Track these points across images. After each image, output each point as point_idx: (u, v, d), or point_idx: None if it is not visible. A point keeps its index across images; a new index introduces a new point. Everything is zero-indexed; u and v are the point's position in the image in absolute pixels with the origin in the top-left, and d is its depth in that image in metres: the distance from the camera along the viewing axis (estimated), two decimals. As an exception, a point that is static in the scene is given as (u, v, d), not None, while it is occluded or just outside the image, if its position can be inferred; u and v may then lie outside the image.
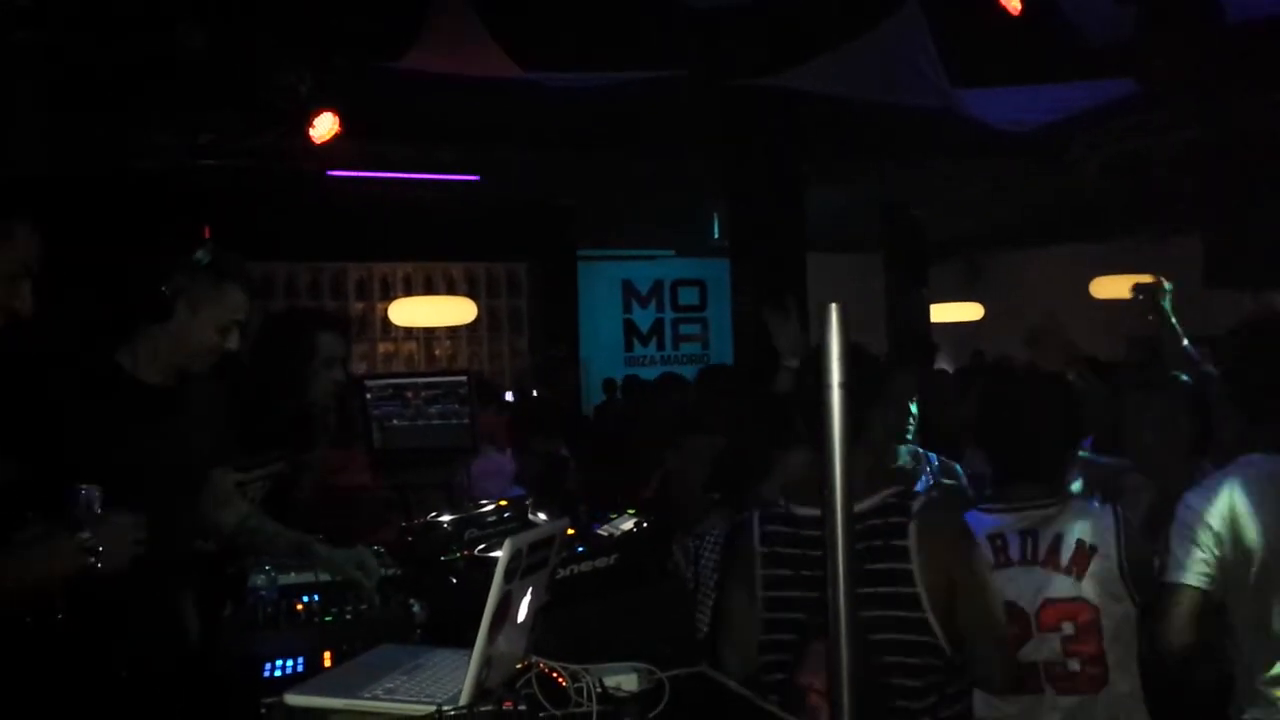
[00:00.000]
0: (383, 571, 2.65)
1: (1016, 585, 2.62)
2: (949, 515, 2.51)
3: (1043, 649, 2.60)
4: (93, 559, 2.12)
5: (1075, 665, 2.59)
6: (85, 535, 2.12)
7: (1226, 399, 2.85)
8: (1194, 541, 2.56)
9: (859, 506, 2.18)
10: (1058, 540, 2.63)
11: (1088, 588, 2.59)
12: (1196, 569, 2.55)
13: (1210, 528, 2.56)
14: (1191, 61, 5.09)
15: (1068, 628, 2.60)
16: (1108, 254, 11.58)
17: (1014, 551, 2.66)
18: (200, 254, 2.60)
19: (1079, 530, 2.63)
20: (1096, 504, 2.76)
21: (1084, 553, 2.62)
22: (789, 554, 2.41)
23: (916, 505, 2.37)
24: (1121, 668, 2.59)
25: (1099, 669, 2.59)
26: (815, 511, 2.29)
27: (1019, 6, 4.38)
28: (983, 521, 2.70)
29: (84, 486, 2.16)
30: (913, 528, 2.32)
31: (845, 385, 1.55)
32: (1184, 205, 8.95)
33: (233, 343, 2.64)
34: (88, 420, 2.40)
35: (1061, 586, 2.60)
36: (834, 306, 1.54)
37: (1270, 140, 7.13)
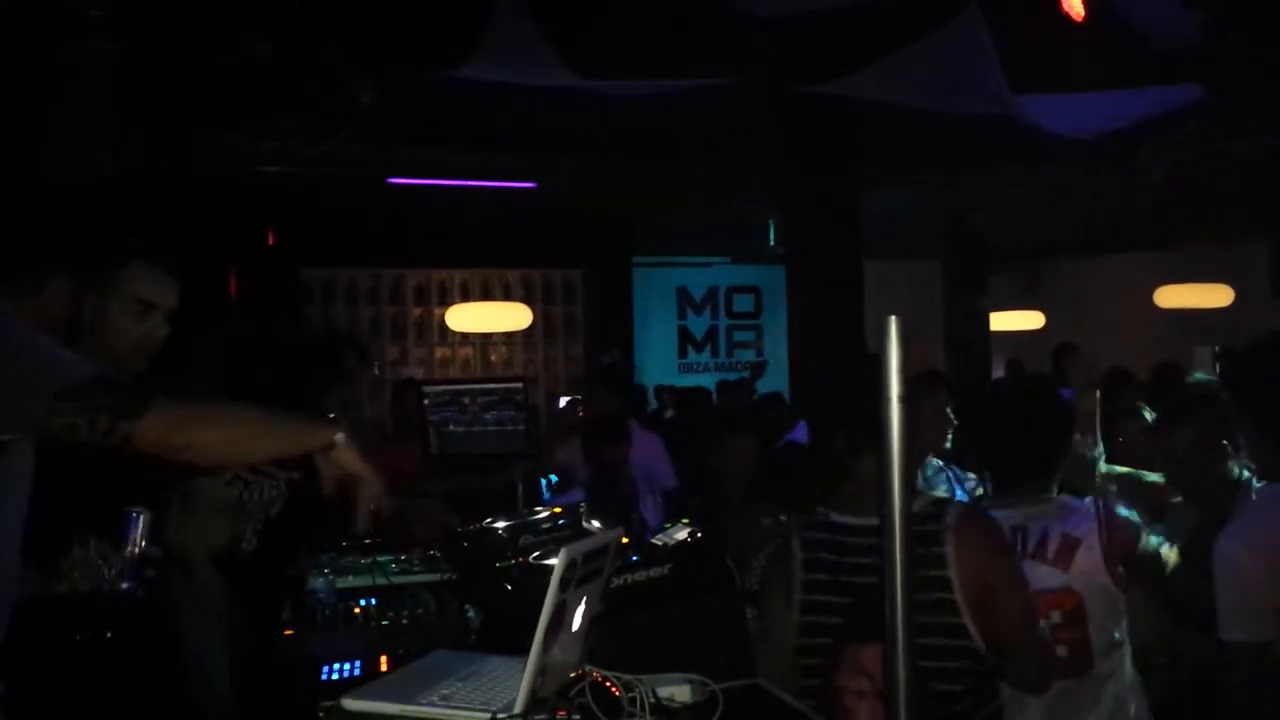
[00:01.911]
0: (439, 576, 2.67)
1: None
2: (985, 521, 2.58)
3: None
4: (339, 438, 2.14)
5: (1063, 651, 2.73)
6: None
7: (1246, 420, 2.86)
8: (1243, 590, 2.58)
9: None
10: (1045, 535, 2.81)
11: (1073, 578, 2.77)
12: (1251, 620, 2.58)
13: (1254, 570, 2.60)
14: (1259, 65, 4.97)
15: (1056, 616, 2.76)
16: (1172, 262, 11.36)
17: None
18: (80, 237, 2.41)
19: (1063, 525, 2.82)
20: (1081, 501, 2.91)
21: (1068, 545, 2.81)
22: (827, 560, 2.47)
23: (952, 514, 2.44)
24: (1105, 652, 2.76)
25: (1084, 653, 2.76)
26: (853, 519, 2.44)
27: (1082, 11, 4.31)
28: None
29: (135, 510, 2.15)
30: (950, 535, 2.39)
31: (904, 398, 1.54)
32: (1251, 212, 8.75)
33: (156, 329, 2.45)
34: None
35: (1049, 578, 2.77)
36: (893, 319, 1.53)
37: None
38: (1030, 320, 12.88)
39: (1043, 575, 2.76)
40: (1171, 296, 11.11)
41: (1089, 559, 2.80)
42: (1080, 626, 2.77)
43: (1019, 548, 2.79)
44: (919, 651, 2.16)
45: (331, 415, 3.22)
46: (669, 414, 8.83)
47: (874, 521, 2.35)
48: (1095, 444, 3.16)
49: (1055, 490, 2.90)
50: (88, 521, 2.12)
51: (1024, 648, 2.45)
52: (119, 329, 2.38)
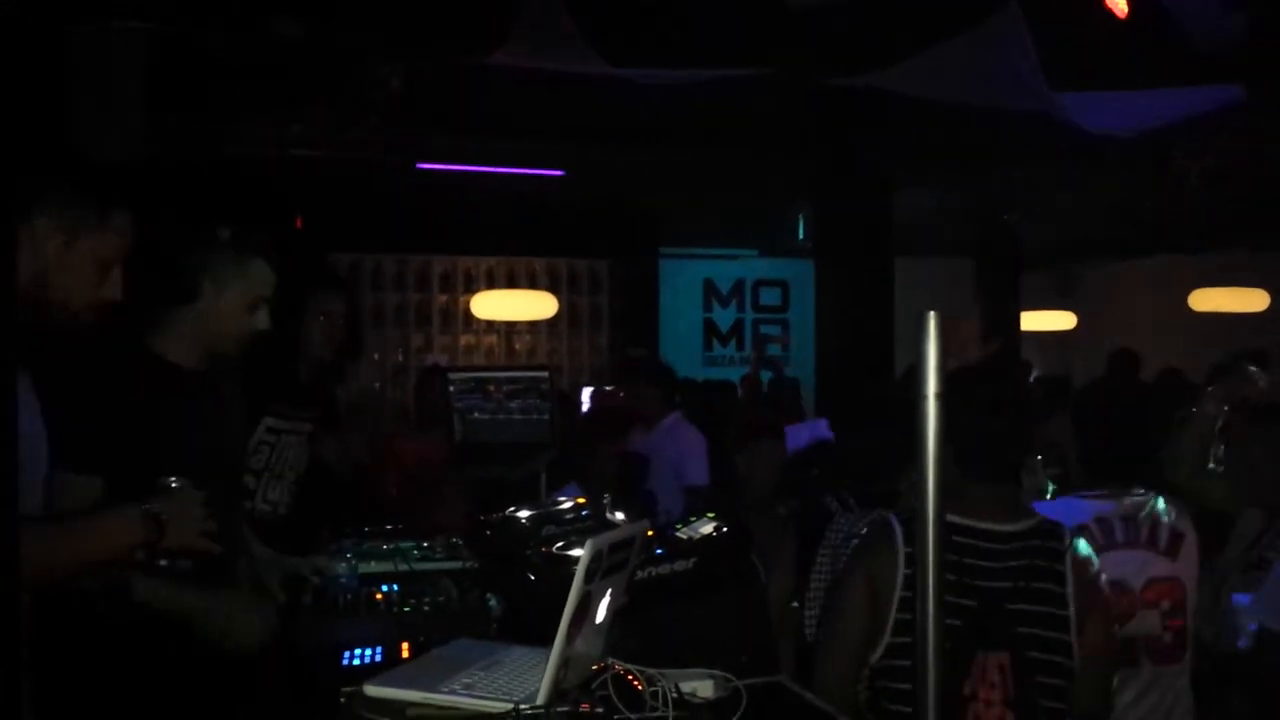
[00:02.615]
0: (461, 564, 2.66)
1: (1123, 565, 2.91)
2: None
3: (1144, 624, 2.93)
4: (157, 533, 2.05)
5: (1169, 638, 2.94)
6: (150, 506, 2.05)
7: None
8: None
9: (1018, 526, 2.44)
10: (1155, 525, 2.98)
11: (1180, 568, 2.96)
12: None
13: None
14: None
15: (1165, 604, 2.95)
16: (1207, 266, 11.22)
17: (1119, 535, 2.98)
18: (221, 230, 2.55)
19: (1170, 517, 3.00)
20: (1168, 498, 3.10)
21: (1177, 537, 2.99)
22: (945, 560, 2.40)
23: (1068, 534, 2.48)
24: (1190, 641, 2.98)
25: (1183, 641, 2.96)
26: (968, 521, 2.41)
27: (1125, 9, 4.24)
28: (1085, 508, 3.00)
29: (173, 480, 2.16)
30: (1068, 554, 2.44)
31: (940, 396, 1.51)
32: (1290, 217, 8.63)
33: (261, 321, 2.59)
34: (135, 410, 2.36)
35: (1161, 567, 2.95)
36: (931, 315, 1.50)
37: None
38: (1062, 321, 12.76)
39: (1155, 564, 2.95)
40: (1206, 300, 10.98)
41: (1191, 553, 3.00)
42: (1183, 615, 2.97)
43: (1132, 536, 2.96)
44: (1032, 665, 2.34)
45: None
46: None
47: (998, 527, 2.40)
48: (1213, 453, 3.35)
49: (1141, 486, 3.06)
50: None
51: (1097, 675, 2.47)
52: (230, 317, 2.52)
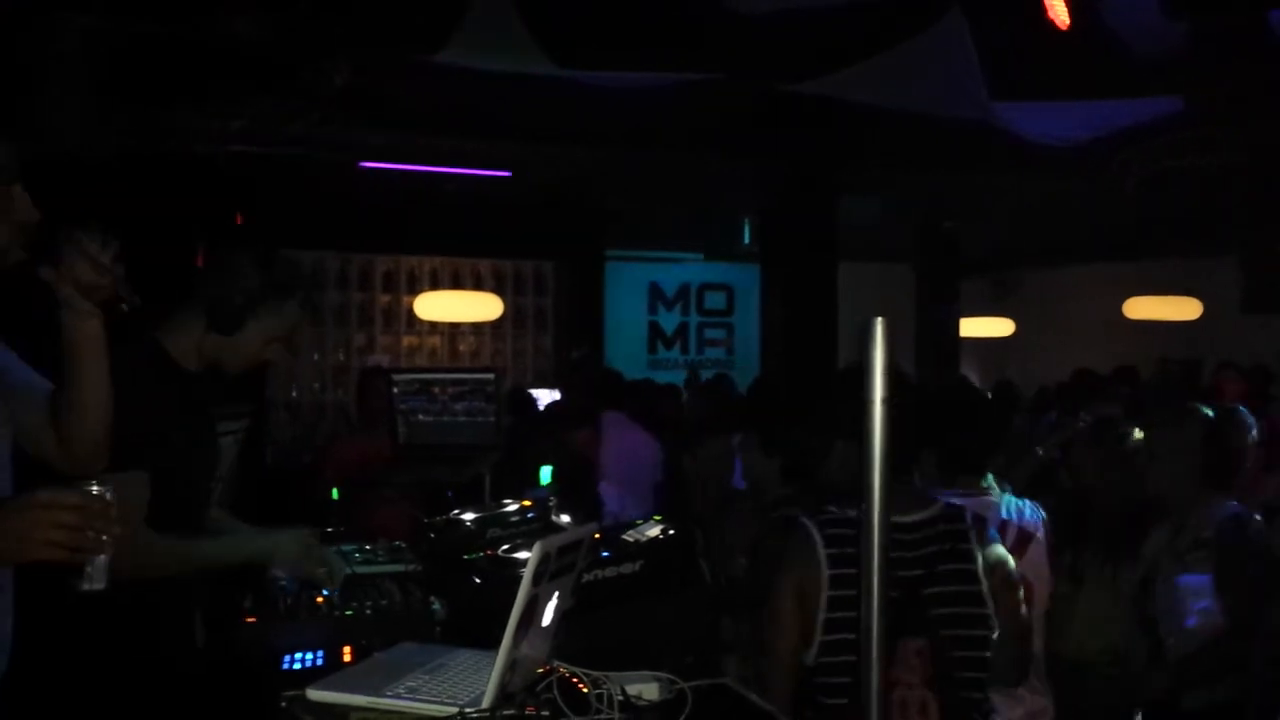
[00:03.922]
0: (404, 567, 2.63)
1: None
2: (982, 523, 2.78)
3: None
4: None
5: None
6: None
7: None
8: None
9: (923, 515, 2.55)
10: (1003, 525, 3.11)
11: (1025, 567, 3.02)
12: None
13: None
14: (1238, 81, 5.01)
15: None
16: (1143, 274, 11.46)
17: None
18: (275, 270, 2.57)
19: (1017, 516, 3.16)
20: (1023, 500, 3.26)
21: (1025, 537, 3.13)
22: (853, 554, 2.42)
23: (967, 514, 2.60)
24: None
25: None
26: None
27: (1067, 20, 4.31)
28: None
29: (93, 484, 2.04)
30: (973, 533, 2.56)
31: (887, 401, 1.53)
32: (1224, 227, 8.83)
33: (273, 354, 2.62)
34: (153, 404, 2.38)
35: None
36: (879, 321, 1.52)
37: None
38: (1000, 327, 12.96)
39: None
40: (1140, 308, 11.21)
41: (1038, 552, 3.15)
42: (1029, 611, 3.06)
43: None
44: (953, 642, 2.44)
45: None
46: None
47: (903, 518, 2.48)
48: None
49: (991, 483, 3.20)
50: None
51: (1013, 642, 2.59)
52: (248, 348, 2.55)
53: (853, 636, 2.41)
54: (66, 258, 1.91)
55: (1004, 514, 3.18)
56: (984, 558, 2.54)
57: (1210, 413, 3.48)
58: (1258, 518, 3.28)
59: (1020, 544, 3.14)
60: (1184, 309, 10.94)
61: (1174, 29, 4.37)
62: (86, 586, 1.78)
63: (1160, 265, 11.23)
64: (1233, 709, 3.12)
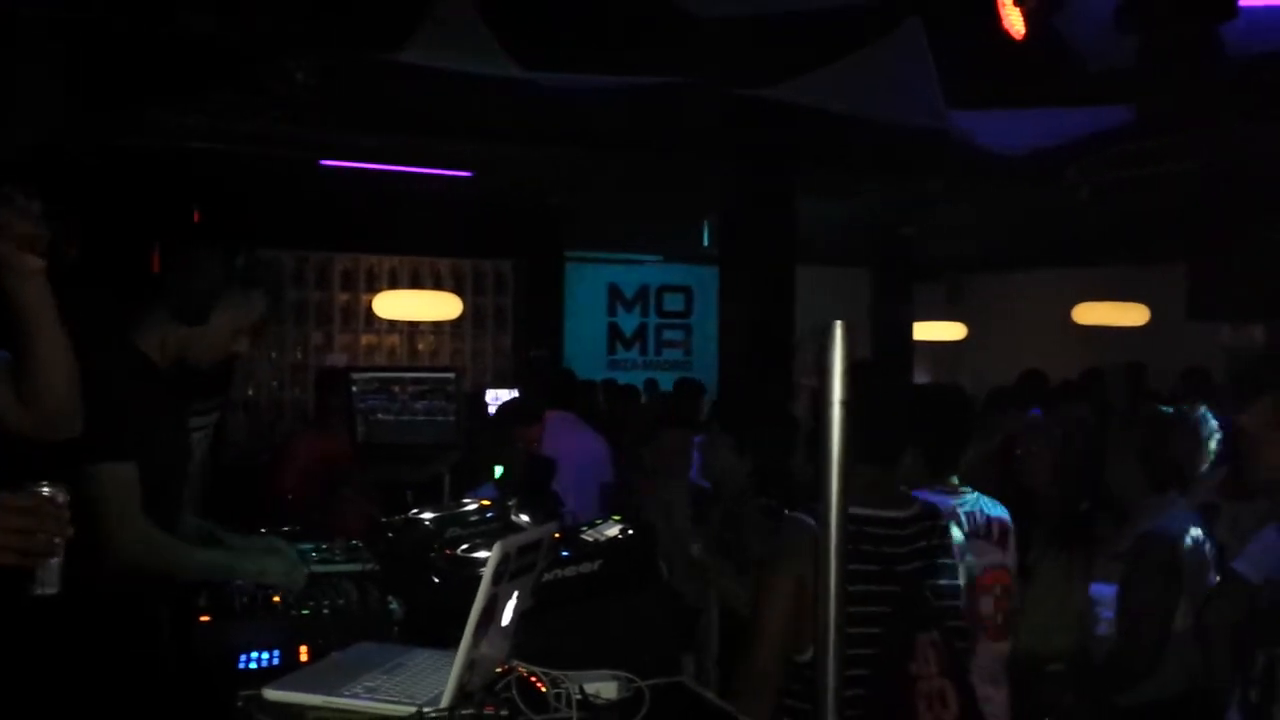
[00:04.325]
0: (362, 566, 2.63)
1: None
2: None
3: (983, 606, 3.22)
4: None
5: (1000, 619, 3.29)
6: None
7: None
8: None
9: (911, 511, 2.66)
10: (988, 519, 3.30)
11: (1008, 557, 3.31)
12: None
13: None
14: (1189, 92, 5.12)
15: (998, 589, 3.29)
16: (1092, 280, 11.64)
17: (965, 525, 3.24)
18: (239, 260, 2.59)
19: (994, 511, 3.34)
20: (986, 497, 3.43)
21: (1004, 529, 3.33)
22: (863, 550, 2.49)
23: (941, 513, 2.76)
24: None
25: (1008, 620, 3.33)
26: (872, 511, 2.56)
27: (1023, 30, 4.38)
28: (937, 502, 3.16)
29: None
30: (949, 529, 2.71)
31: (846, 403, 1.56)
32: (1172, 235, 9.00)
33: (242, 345, 2.64)
34: (136, 404, 2.40)
35: (994, 555, 3.28)
36: (838, 324, 1.55)
37: (1260, 173, 7.18)
38: (952, 331, 13.12)
39: (990, 552, 3.25)
40: (1089, 313, 11.39)
41: (1012, 544, 3.36)
42: (1011, 599, 3.33)
43: (970, 527, 3.23)
44: (955, 633, 2.57)
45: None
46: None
47: (898, 514, 2.59)
48: None
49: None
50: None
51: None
52: (217, 341, 2.57)
53: (857, 631, 2.44)
54: None
55: (988, 511, 3.33)
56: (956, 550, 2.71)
57: (1168, 413, 3.56)
58: (1194, 531, 3.26)
59: (1003, 537, 3.34)
60: (1132, 315, 11.13)
61: (1126, 40, 4.46)
62: (39, 590, 1.75)
63: (1109, 272, 11.42)
64: (1164, 707, 3.16)
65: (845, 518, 1.56)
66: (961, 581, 2.65)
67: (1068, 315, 11.41)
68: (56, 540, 1.72)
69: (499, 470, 4.60)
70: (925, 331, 12.54)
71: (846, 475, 1.56)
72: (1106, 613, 3.25)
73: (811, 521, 2.52)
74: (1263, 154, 6.84)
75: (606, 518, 2.52)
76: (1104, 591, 3.28)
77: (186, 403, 2.73)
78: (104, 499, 2.32)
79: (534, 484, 4.15)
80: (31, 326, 1.99)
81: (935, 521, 2.68)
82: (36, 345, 2.00)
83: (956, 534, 2.79)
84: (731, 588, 3.40)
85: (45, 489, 1.73)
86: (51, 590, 1.75)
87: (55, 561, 1.74)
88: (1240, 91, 5.46)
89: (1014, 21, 4.43)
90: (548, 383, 6.28)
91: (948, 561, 2.65)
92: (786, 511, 2.69)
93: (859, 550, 2.49)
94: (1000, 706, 3.25)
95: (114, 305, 2.27)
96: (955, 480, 3.35)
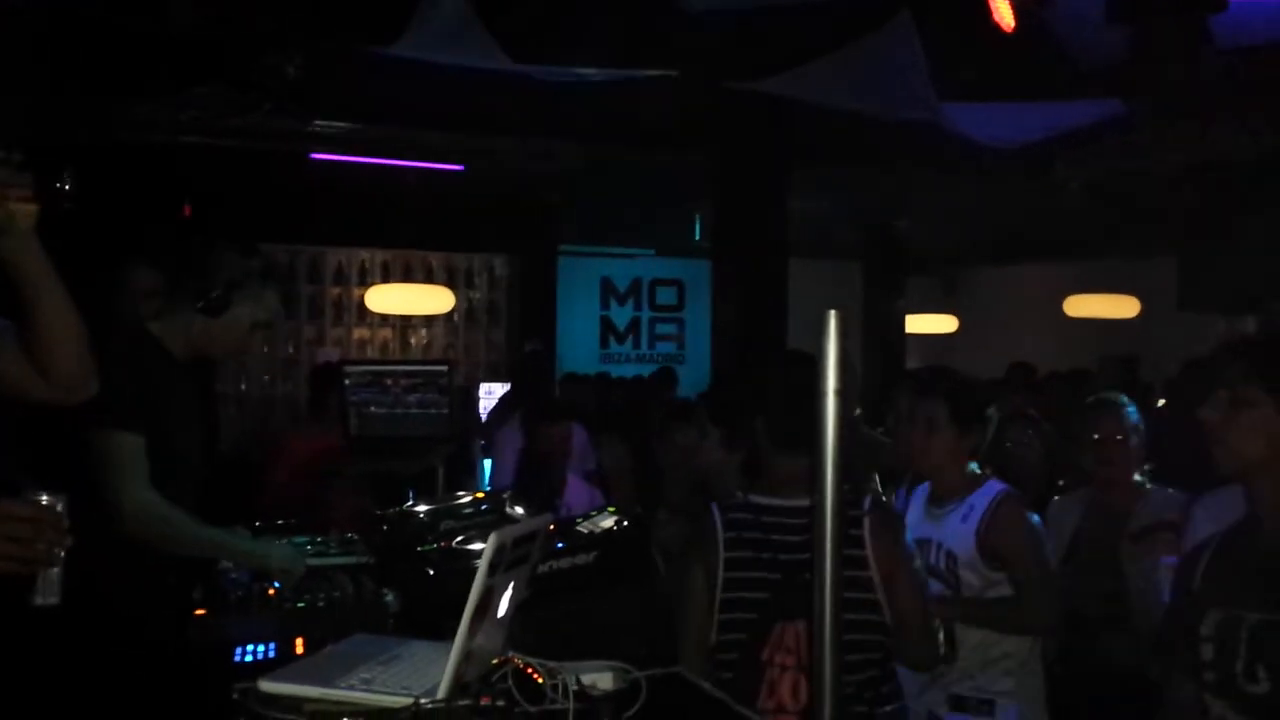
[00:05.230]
0: (357, 559, 2.64)
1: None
2: (892, 512, 2.98)
3: None
4: None
5: None
6: None
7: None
8: None
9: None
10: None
11: None
12: None
13: None
14: (1178, 84, 5.14)
15: None
16: (1084, 273, 11.67)
17: None
18: (256, 257, 2.68)
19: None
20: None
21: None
22: (751, 538, 2.58)
23: (866, 501, 2.69)
24: None
25: None
26: (774, 500, 2.61)
27: (1013, 23, 4.39)
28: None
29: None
30: (866, 520, 2.60)
31: (840, 392, 1.56)
32: (1163, 228, 9.03)
33: (257, 341, 2.72)
34: (151, 385, 2.46)
35: None
36: (833, 314, 1.55)
37: (1250, 166, 7.21)
38: (944, 324, 13.14)
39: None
40: (1080, 306, 11.41)
41: None
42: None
43: None
44: (846, 626, 2.46)
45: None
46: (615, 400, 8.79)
47: (797, 503, 2.55)
48: None
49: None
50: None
51: (918, 629, 2.66)
52: (234, 335, 2.64)
53: (745, 616, 2.56)
54: None
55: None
56: (877, 546, 2.58)
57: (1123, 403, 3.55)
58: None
59: None
60: (1122, 307, 11.16)
61: (1116, 33, 4.47)
62: (40, 600, 1.74)
63: (1100, 264, 11.45)
64: None
65: (840, 509, 1.56)
66: (873, 573, 2.56)
67: (1059, 308, 11.44)
68: (56, 550, 1.72)
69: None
70: (918, 324, 12.56)
71: (840, 466, 1.56)
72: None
73: (714, 509, 2.65)
74: (1249, 147, 6.88)
75: (601, 509, 2.53)
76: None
77: (203, 397, 2.77)
78: (111, 466, 2.38)
79: (534, 476, 4.15)
80: (34, 292, 1.98)
81: (846, 511, 2.59)
82: (41, 308, 1.99)
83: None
84: None
85: (45, 498, 1.72)
86: (53, 600, 1.75)
87: (55, 571, 1.74)
88: (1227, 85, 5.48)
89: (1004, 15, 4.45)
90: (543, 377, 6.29)
91: (849, 553, 2.52)
92: (710, 505, 2.73)
93: (742, 538, 2.58)
94: None
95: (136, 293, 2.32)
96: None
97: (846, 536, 2.51)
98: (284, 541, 2.62)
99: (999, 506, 3.02)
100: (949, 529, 3.07)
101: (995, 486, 3.08)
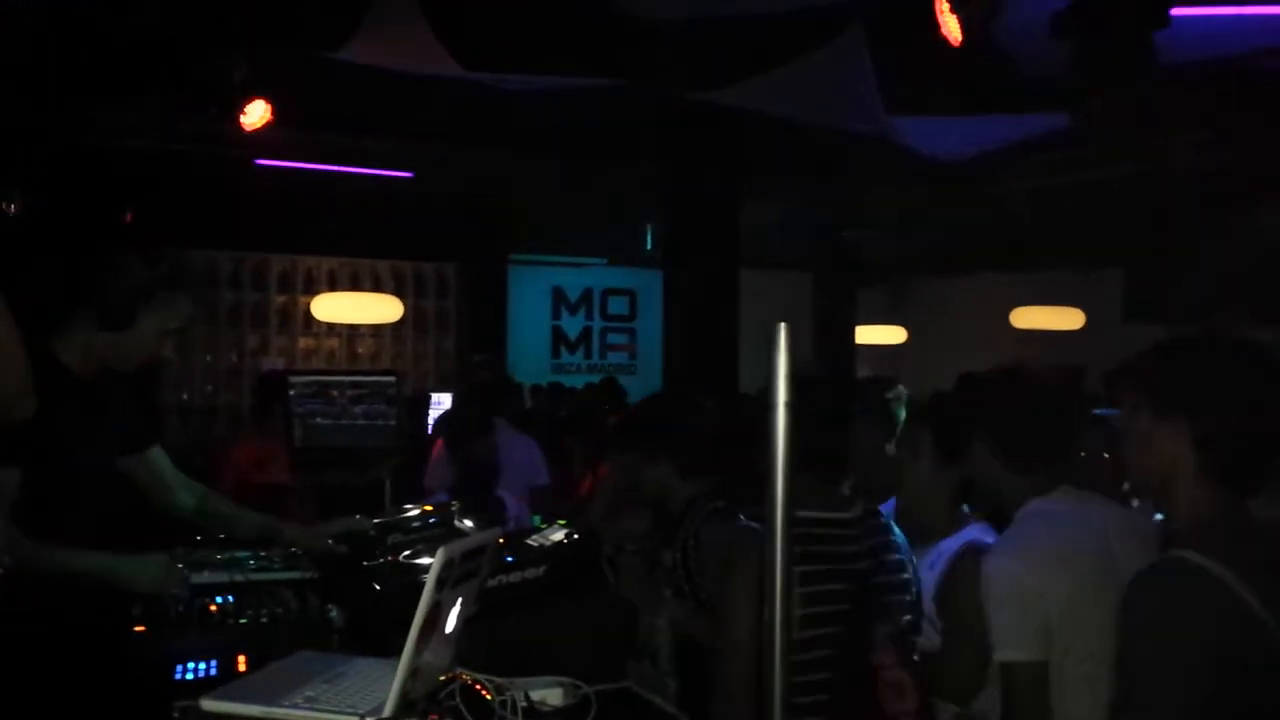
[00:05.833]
0: (301, 574, 2.59)
1: None
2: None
3: None
4: None
5: None
6: None
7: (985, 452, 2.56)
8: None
9: (856, 512, 2.72)
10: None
11: None
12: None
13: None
14: (1123, 99, 5.22)
15: None
16: (1031, 285, 11.83)
17: None
18: (163, 263, 2.57)
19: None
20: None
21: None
22: (816, 551, 2.57)
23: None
24: None
25: None
26: (821, 514, 2.63)
27: (959, 37, 4.44)
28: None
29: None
30: (893, 526, 2.80)
31: (790, 405, 1.55)
32: (1108, 239, 9.18)
33: (168, 349, 2.61)
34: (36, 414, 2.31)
35: None
36: (782, 326, 1.54)
37: (1194, 179, 7.34)
38: (893, 335, 13.27)
39: None
40: (1026, 317, 11.57)
41: None
42: None
43: None
44: (910, 628, 2.63)
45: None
46: (563, 412, 8.73)
47: (846, 515, 2.68)
48: None
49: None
50: None
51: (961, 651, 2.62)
52: (143, 344, 2.54)
53: (817, 632, 2.53)
54: None
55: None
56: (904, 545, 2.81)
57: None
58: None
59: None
60: (1068, 319, 11.33)
61: (1061, 48, 4.53)
62: None
63: (1047, 276, 11.61)
64: None
65: (791, 521, 1.55)
66: (909, 576, 2.72)
67: (1006, 319, 11.59)
68: None
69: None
70: (867, 335, 12.67)
71: (791, 478, 1.55)
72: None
73: (759, 526, 2.56)
74: (1194, 160, 7.01)
75: (552, 522, 2.50)
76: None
77: (108, 413, 2.66)
78: None
79: (477, 489, 4.11)
80: None
81: (880, 520, 2.80)
82: None
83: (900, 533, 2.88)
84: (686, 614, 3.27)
85: None
86: None
87: None
88: (1172, 98, 5.58)
89: (952, 29, 4.48)
90: (491, 390, 6.24)
91: (895, 558, 2.74)
92: (741, 518, 2.70)
93: (809, 552, 2.53)
94: None
95: (35, 309, 2.22)
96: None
97: (885, 544, 2.75)
98: (162, 558, 2.49)
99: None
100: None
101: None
